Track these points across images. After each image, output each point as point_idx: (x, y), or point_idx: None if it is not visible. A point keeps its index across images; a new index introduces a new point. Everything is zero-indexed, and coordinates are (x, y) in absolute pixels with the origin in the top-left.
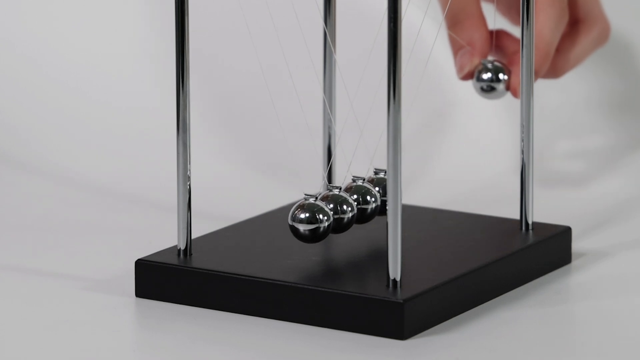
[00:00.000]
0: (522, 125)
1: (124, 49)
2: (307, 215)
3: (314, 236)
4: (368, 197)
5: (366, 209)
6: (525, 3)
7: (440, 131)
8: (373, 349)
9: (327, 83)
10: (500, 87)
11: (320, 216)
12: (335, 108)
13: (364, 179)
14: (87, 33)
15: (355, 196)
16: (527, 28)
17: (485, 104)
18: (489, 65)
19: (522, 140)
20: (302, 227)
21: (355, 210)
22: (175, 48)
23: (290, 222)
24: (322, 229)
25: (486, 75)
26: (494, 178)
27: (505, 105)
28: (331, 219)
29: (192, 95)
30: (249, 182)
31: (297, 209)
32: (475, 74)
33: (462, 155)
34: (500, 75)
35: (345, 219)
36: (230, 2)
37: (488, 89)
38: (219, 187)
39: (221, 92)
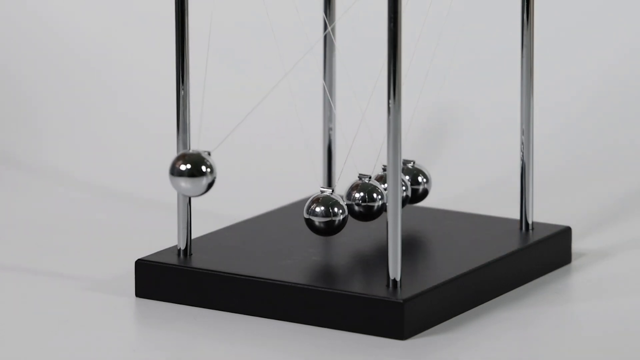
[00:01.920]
0: (522, 125)
1: (124, 48)
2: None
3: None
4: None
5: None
6: (526, 3)
7: (440, 131)
8: (373, 349)
9: (327, 81)
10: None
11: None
12: (336, 108)
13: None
14: (87, 33)
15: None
16: (527, 28)
17: (485, 104)
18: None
19: (522, 141)
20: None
21: (347, 213)
22: (175, 48)
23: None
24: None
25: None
26: (494, 178)
27: (505, 106)
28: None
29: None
30: (249, 182)
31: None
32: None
33: (462, 155)
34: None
35: (375, 207)
36: (230, 2)
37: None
38: (219, 187)
39: (221, 92)
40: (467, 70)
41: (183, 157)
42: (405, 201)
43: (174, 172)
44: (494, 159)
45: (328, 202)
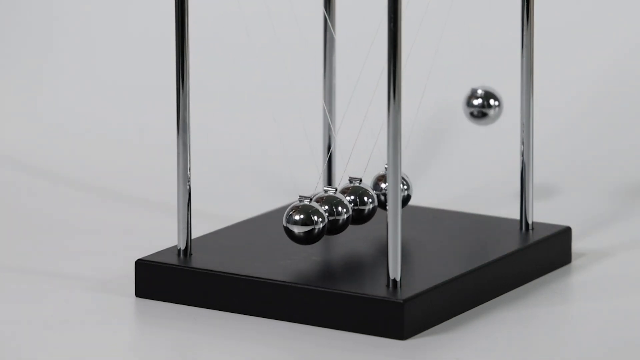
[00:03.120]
0: (522, 125)
1: (124, 48)
2: (302, 216)
3: (309, 238)
4: (365, 198)
5: (363, 209)
6: (526, 3)
7: (440, 131)
8: (373, 349)
9: (326, 82)
10: (492, 112)
11: (315, 217)
12: (335, 108)
13: (360, 180)
14: (87, 32)
15: (352, 197)
16: (527, 28)
17: None
18: (479, 92)
19: (522, 141)
20: (296, 229)
21: (351, 212)
22: (175, 48)
23: (284, 223)
24: (316, 230)
25: (477, 102)
26: (494, 178)
27: (505, 106)
28: (326, 220)
29: (192, 94)
30: (249, 182)
31: (291, 211)
32: (465, 100)
33: (462, 155)
34: (492, 101)
35: (341, 221)
36: (230, 1)
37: (479, 115)
38: (219, 187)
39: (221, 92)
40: (467, 70)
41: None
42: (373, 213)
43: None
44: (494, 159)
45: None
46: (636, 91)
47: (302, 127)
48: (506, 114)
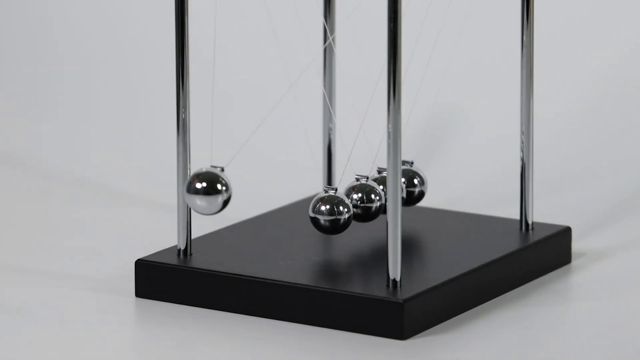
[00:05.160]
0: (522, 125)
1: (124, 48)
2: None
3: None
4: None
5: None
6: (526, 3)
7: (441, 131)
8: (373, 349)
9: (327, 81)
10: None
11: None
12: (335, 108)
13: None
14: (86, 32)
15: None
16: (527, 28)
17: (485, 104)
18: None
19: (522, 141)
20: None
21: (384, 200)
22: (175, 48)
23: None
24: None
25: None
26: (494, 178)
27: (505, 106)
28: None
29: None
30: (250, 182)
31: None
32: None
33: (462, 155)
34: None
35: (373, 208)
36: (229, 1)
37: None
38: None
39: (221, 92)
40: (467, 71)
41: (198, 176)
42: (380, 211)
43: (190, 190)
44: (494, 159)
45: (333, 201)
46: (637, 91)
47: (302, 127)
48: (506, 113)
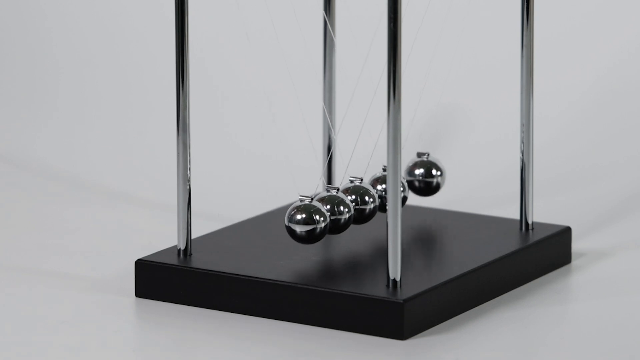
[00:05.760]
0: (522, 125)
1: (124, 48)
2: (304, 216)
3: (311, 237)
4: (366, 198)
5: (364, 209)
6: (525, 3)
7: (440, 131)
8: (373, 349)
9: (326, 82)
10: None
11: (317, 217)
12: (335, 108)
13: (361, 179)
14: (86, 32)
15: (353, 196)
16: (527, 28)
17: (485, 104)
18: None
19: (522, 141)
20: (298, 228)
21: (352, 211)
22: (175, 48)
23: (287, 223)
24: (318, 229)
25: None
26: (494, 178)
27: (505, 106)
28: (328, 219)
29: (192, 95)
30: (249, 182)
31: (293, 210)
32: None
33: (462, 155)
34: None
35: (342, 220)
36: (229, 1)
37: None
38: (219, 187)
39: (221, 92)
40: (467, 71)
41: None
42: (374, 213)
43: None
44: (494, 159)
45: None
46: (637, 92)
47: (302, 127)
48: (506, 113)
